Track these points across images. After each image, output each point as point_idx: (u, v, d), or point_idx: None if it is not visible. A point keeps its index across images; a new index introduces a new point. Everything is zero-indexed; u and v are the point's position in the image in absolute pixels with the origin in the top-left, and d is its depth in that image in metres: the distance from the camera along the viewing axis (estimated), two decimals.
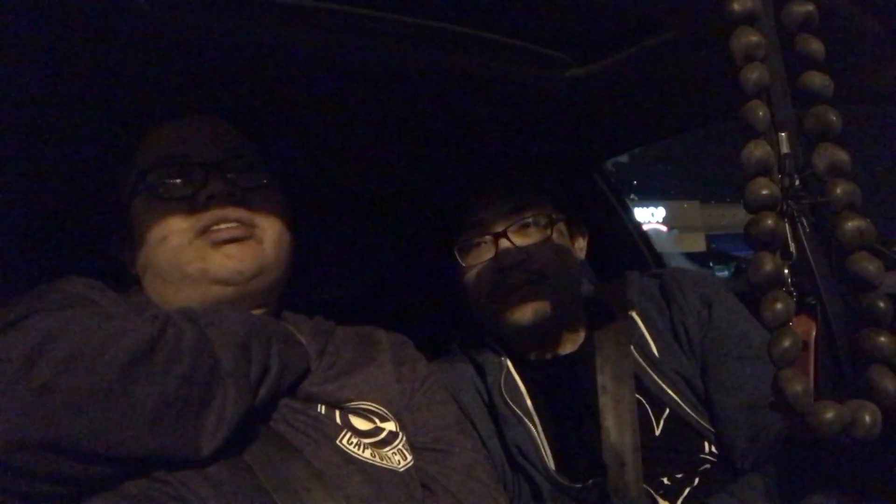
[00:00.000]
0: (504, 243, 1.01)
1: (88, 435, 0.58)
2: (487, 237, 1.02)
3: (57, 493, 0.59)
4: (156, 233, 0.80)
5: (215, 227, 0.79)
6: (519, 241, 1.01)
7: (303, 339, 0.86)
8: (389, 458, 0.77)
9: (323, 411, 0.79)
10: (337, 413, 0.80)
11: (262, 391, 0.71)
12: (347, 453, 0.74)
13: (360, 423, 0.80)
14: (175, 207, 0.80)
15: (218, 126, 0.86)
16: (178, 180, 0.81)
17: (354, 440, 0.76)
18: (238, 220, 0.80)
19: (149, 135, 0.85)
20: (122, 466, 0.61)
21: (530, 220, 1.03)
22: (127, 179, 0.84)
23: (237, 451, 0.67)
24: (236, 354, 0.68)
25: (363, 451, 0.76)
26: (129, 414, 0.59)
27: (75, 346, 0.59)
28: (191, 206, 0.80)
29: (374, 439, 0.79)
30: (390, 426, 0.82)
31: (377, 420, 0.82)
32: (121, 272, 0.86)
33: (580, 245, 1.13)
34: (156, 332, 0.64)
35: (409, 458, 0.80)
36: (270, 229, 0.84)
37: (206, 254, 0.79)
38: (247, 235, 0.81)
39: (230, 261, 0.79)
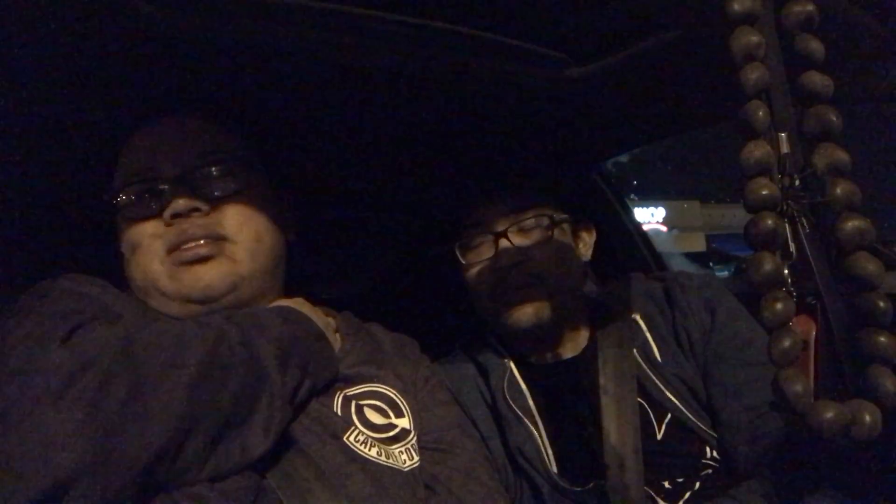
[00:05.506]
0: (504, 243, 1.00)
1: (149, 456, 0.56)
2: (488, 236, 1.02)
3: None
4: (130, 250, 0.81)
5: (183, 247, 0.78)
6: (519, 241, 1.01)
7: (335, 323, 0.87)
8: (396, 457, 0.78)
9: (338, 408, 0.79)
10: (353, 405, 0.80)
11: (295, 402, 0.72)
12: (353, 451, 0.75)
13: (375, 417, 0.80)
14: (144, 225, 0.80)
15: (192, 129, 0.83)
16: (144, 198, 0.80)
17: (362, 437, 0.77)
18: (206, 237, 0.79)
19: (126, 145, 0.84)
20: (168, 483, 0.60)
21: (532, 220, 1.02)
22: (108, 196, 0.83)
23: None
24: (279, 367, 0.69)
25: (369, 449, 0.76)
26: (192, 434, 0.59)
27: (141, 365, 0.59)
28: (158, 223, 0.79)
29: (384, 435, 0.79)
30: (404, 423, 0.82)
31: (392, 415, 0.82)
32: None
33: (586, 244, 1.12)
34: (210, 347, 0.64)
35: (416, 458, 0.80)
36: (244, 240, 0.81)
37: (175, 273, 0.78)
38: (214, 254, 0.79)
39: (199, 282, 0.78)
